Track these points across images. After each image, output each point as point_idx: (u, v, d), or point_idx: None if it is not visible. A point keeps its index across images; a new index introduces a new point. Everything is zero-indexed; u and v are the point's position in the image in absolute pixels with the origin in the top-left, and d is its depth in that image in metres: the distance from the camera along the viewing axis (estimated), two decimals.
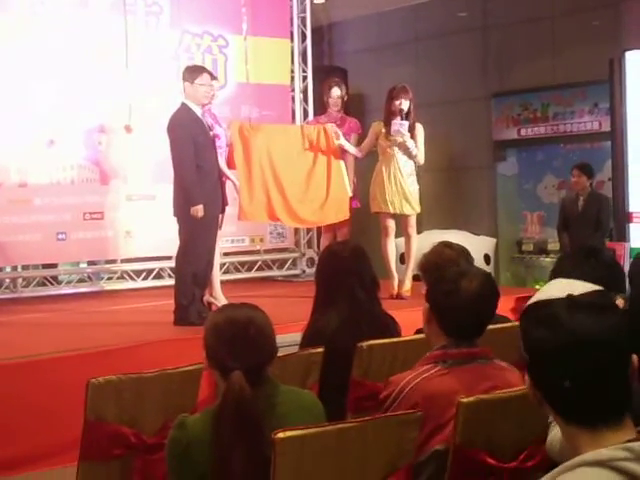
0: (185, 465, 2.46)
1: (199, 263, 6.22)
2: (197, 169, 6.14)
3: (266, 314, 2.70)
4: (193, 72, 6.33)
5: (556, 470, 1.64)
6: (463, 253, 4.06)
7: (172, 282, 8.61)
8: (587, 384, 1.68)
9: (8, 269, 8.28)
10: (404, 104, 7.24)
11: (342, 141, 7.55)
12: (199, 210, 6.11)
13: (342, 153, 7.66)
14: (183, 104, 6.29)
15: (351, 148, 7.63)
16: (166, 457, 2.54)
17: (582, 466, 1.61)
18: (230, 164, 7.12)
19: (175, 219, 6.37)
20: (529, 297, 1.88)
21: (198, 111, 6.30)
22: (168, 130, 6.26)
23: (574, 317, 1.70)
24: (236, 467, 2.37)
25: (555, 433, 2.22)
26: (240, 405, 2.44)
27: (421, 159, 7.38)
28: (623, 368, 1.71)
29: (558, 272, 4.47)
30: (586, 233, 7.85)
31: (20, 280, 8.16)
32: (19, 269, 8.26)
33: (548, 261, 8.59)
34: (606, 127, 8.38)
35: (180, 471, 2.48)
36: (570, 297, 1.75)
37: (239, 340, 2.54)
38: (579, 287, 1.80)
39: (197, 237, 6.17)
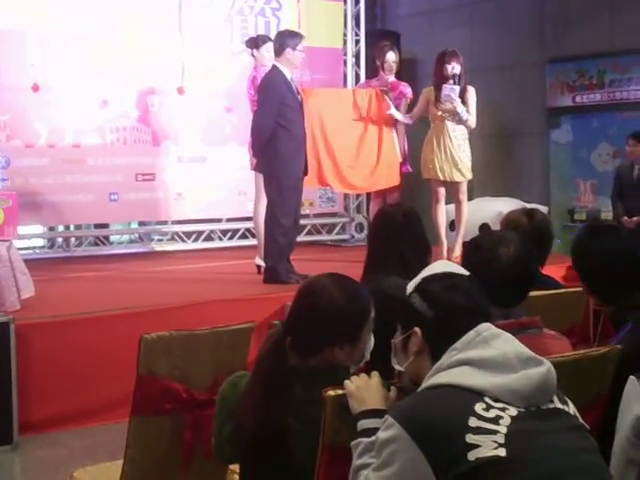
0: (230, 418, 2.54)
1: (287, 221, 6.31)
2: (283, 131, 6.21)
3: None
4: (295, 38, 6.43)
5: None
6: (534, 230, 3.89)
7: (222, 244, 8.73)
8: None
9: (61, 228, 8.42)
10: (456, 68, 7.16)
11: (392, 111, 7.53)
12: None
13: (393, 118, 7.61)
14: (275, 67, 6.35)
15: (400, 116, 7.58)
16: (216, 407, 2.62)
17: None
18: None
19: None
20: None
21: (289, 75, 6.35)
22: (259, 90, 6.36)
23: None
24: None
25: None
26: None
27: (472, 123, 7.30)
28: None
29: None
30: None
31: (73, 239, 8.28)
32: (72, 228, 8.39)
33: None
34: None
35: (224, 421, 2.57)
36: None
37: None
38: None
39: (284, 197, 6.27)
